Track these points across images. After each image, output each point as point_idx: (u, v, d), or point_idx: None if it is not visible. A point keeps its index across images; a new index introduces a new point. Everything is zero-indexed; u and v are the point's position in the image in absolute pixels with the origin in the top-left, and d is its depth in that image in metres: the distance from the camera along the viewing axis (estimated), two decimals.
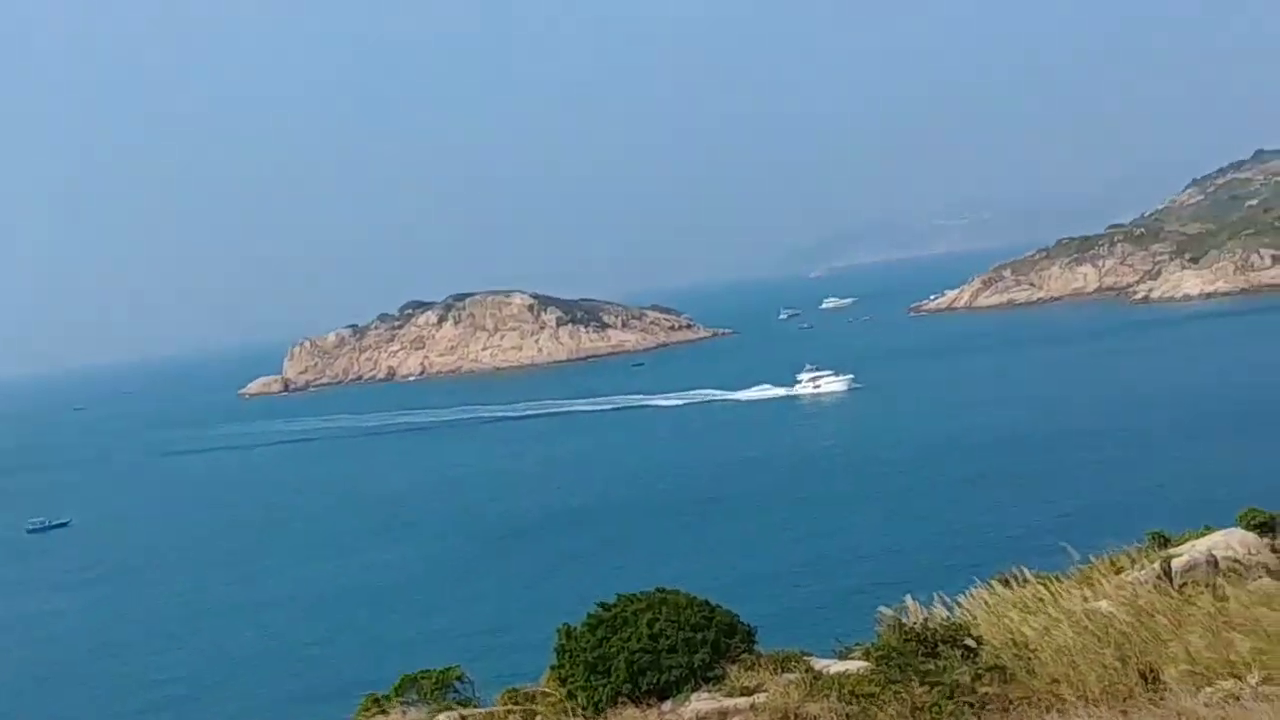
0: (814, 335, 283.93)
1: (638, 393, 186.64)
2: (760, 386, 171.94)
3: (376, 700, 19.23)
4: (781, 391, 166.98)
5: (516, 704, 17.92)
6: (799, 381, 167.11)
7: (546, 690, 17.91)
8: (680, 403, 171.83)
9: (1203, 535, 18.84)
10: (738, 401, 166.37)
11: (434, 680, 19.43)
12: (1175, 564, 17.98)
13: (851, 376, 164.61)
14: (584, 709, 16.77)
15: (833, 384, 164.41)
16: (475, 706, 18.42)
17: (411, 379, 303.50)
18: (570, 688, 17.33)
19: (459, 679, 19.44)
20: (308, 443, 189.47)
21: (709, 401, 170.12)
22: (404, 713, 18.86)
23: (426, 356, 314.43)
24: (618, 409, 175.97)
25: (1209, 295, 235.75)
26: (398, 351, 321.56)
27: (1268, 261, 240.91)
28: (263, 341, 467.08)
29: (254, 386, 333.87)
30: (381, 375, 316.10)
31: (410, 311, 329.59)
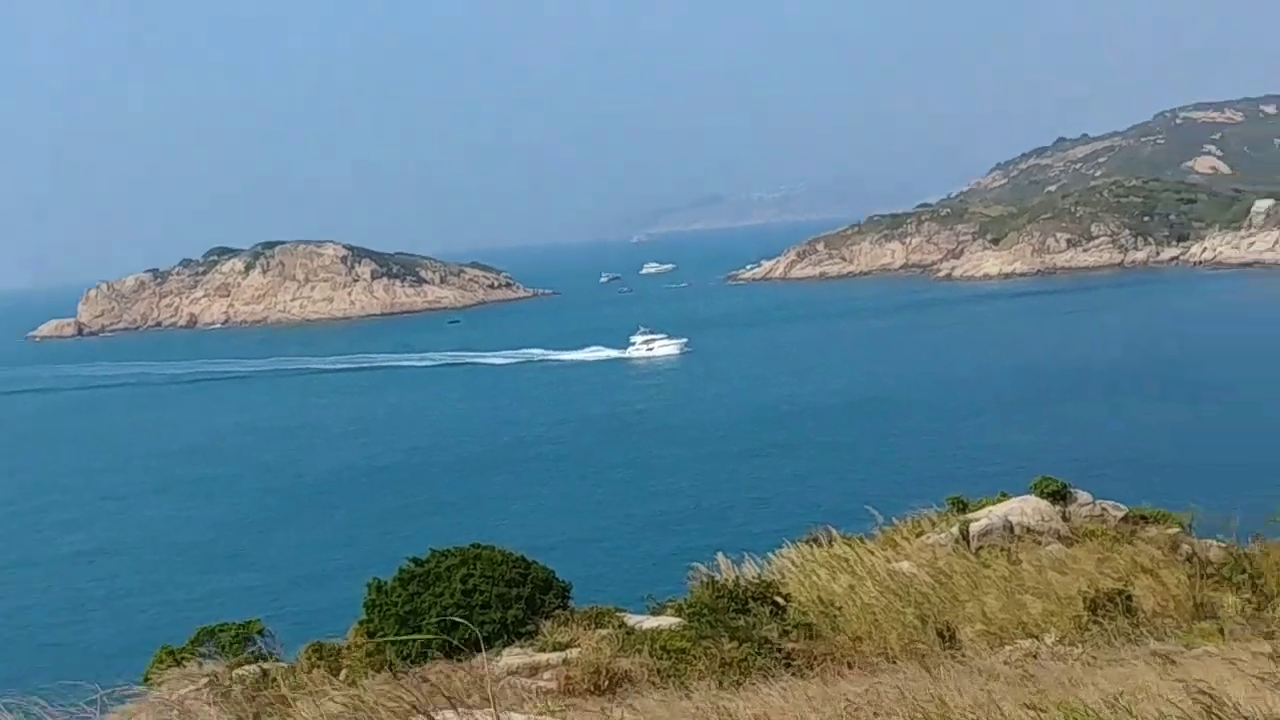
0: (635, 299, 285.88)
1: (464, 349, 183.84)
2: (592, 348, 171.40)
3: (172, 653, 18.58)
4: (614, 353, 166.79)
5: (321, 658, 17.57)
6: (632, 344, 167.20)
7: (354, 644, 17.62)
8: (509, 361, 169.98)
9: (999, 502, 19.69)
10: (569, 362, 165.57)
11: (233, 633, 18.88)
12: (973, 528, 18.77)
13: (684, 340, 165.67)
14: (393, 663, 16.55)
15: (665, 347, 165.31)
16: (277, 660, 18.00)
17: (215, 327, 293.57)
18: (379, 641, 17.07)
19: (260, 633, 18.93)
20: (101, 389, 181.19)
21: (538, 361, 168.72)
22: (200, 665, 18.29)
23: (232, 305, 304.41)
24: (442, 365, 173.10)
25: (1008, 275, 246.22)
26: (201, 298, 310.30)
27: (1063, 245, 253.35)
28: (59, 285, 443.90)
29: (45, 329, 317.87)
30: (183, 323, 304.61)
31: (216, 258, 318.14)
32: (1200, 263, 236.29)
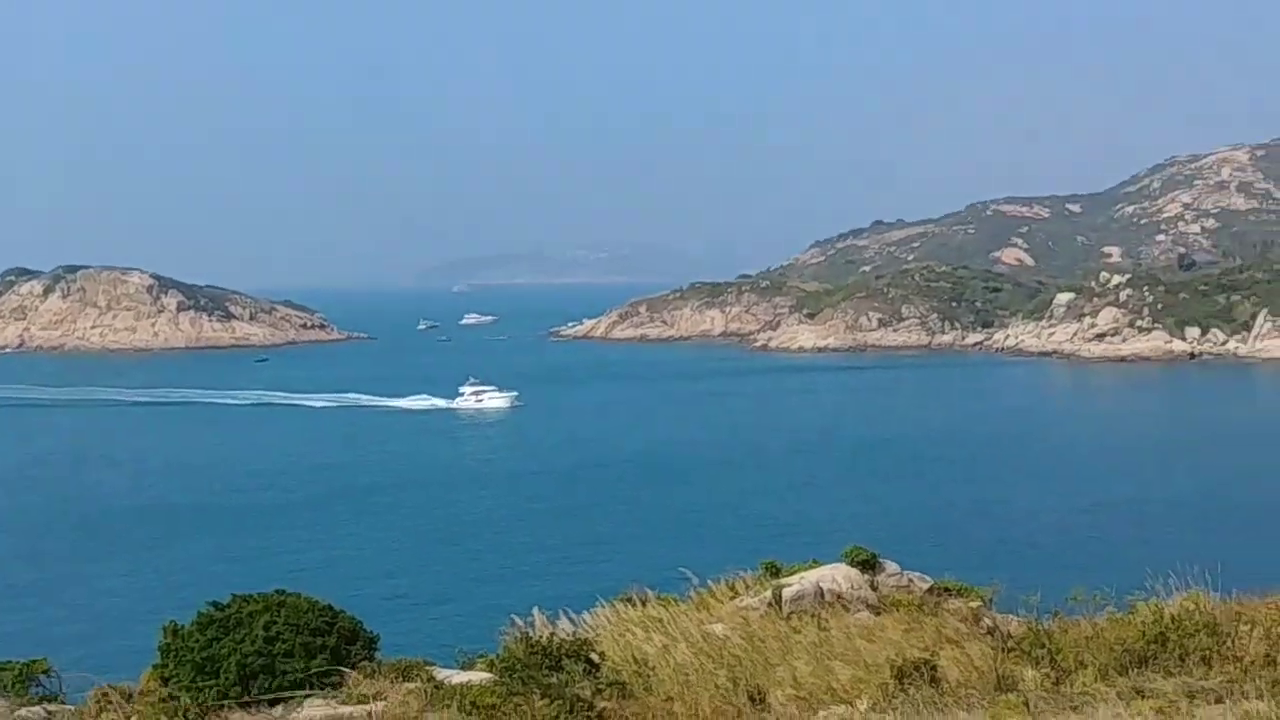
0: (455, 349, 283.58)
1: (280, 389, 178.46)
2: (418, 396, 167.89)
3: None
4: (441, 403, 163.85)
5: (111, 703, 16.65)
6: (460, 394, 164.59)
7: (146, 690, 16.74)
8: (328, 405, 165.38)
9: (811, 568, 20.02)
10: (393, 409, 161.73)
11: (16, 673, 17.76)
12: (785, 593, 19.02)
13: (515, 394, 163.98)
14: (186, 712, 15.77)
15: (495, 400, 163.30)
16: (63, 703, 16.99)
17: (8, 351, 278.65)
18: (173, 689, 16.25)
19: (45, 673, 17.85)
20: None
21: (362, 406, 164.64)
22: None
23: (28, 329, 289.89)
24: (258, 404, 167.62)
25: (821, 349, 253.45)
26: None
27: (874, 323, 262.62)
28: None
29: None
30: None
31: (13, 279, 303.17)
32: (1003, 349, 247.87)
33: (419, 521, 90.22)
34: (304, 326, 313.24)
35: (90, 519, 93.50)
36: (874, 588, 19.70)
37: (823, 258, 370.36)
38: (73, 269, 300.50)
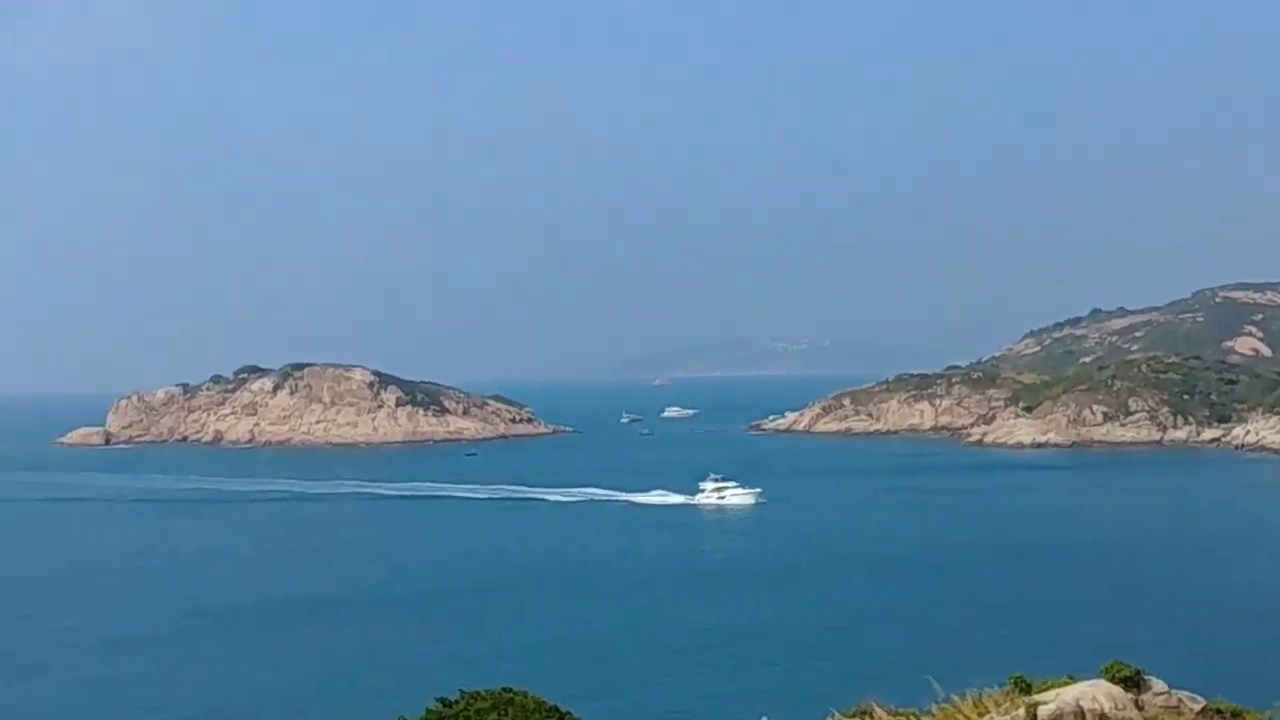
0: (656, 442, 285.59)
1: (520, 483, 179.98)
2: (657, 491, 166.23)
3: None
4: (680, 498, 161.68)
5: None
6: (701, 490, 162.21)
7: None
8: (568, 499, 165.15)
9: (1066, 684, 18.39)
10: (633, 504, 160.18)
11: None
12: (1041, 712, 17.45)
13: (759, 490, 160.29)
14: None
15: (739, 496, 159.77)
16: None
17: (241, 445, 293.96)
18: None
19: None
20: (113, 503, 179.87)
21: (598, 500, 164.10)
22: None
23: (258, 424, 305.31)
24: (498, 499, 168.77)
25: (1040, 445, 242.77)
26: (228, 415, 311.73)
27: (1099, 417, 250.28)
28: (95, 392, 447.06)
29: (73, 437, 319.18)
30: (208, 438, 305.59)
31: (245, 376, 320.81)
32: (1243, 445, 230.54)
33: (652, 618, 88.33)
34: (513, 420, 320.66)
35: (322, 602, 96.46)
36: (1140, 708, 18.01)
37: (1038, 348, 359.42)
38: (299, 366, 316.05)
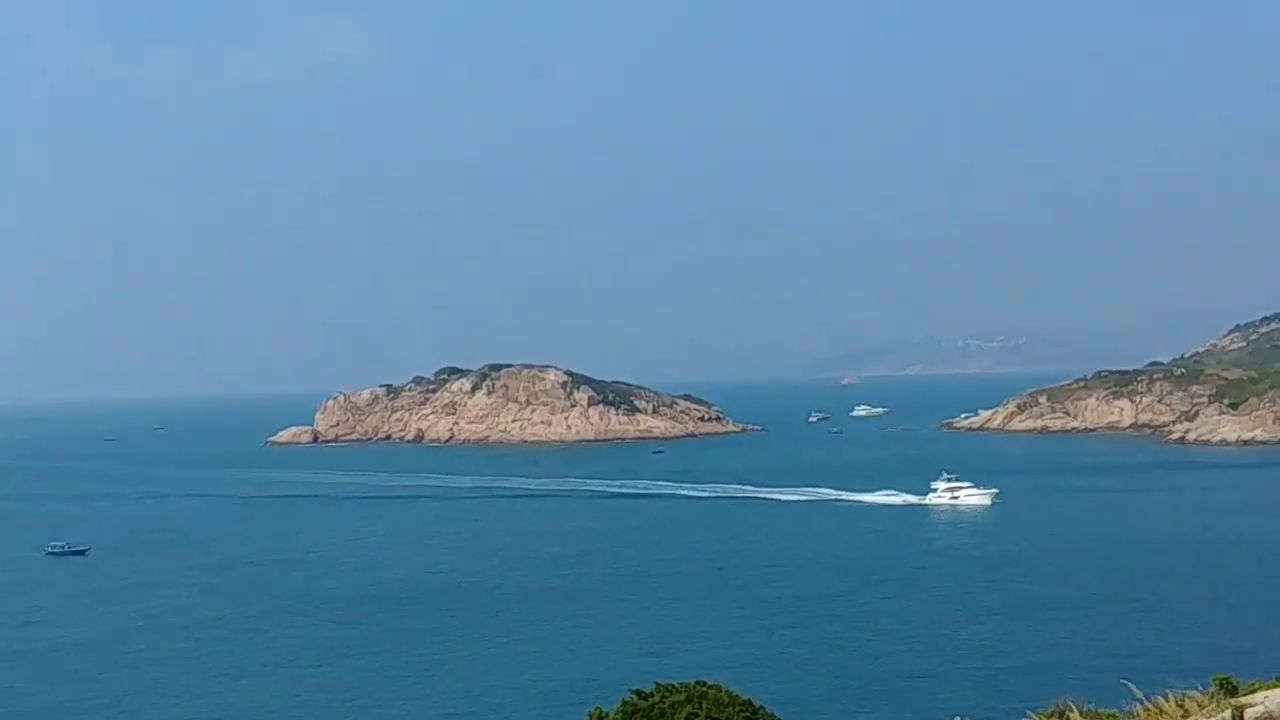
0: (846, 441, 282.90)
1: (746, 483, 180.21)
2: (887, 491, 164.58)
3: None
4: (912, 499, 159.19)
5: None
6: (933, 490, 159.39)
7: None
8: (797, 499, 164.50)
9: (1275, 686, 17.90)
10: (863, 504, 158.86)
11: None
12: (1249, 714, 17.03)
13: (995, 490, 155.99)
14: None
15: (974, 496, 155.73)
16: None
17: (440, 443, 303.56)
18: None
19: None
20: (320, 498, 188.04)
21: (828, 500, 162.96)
22: None
23: (457, 423, 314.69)
24: (721, 498, 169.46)
25: (1246, 442, 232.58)
26: (429, 415, 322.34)
27: None
28: (293, 394, 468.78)
29: (284, 436, 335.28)
30: (410, 436, 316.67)
31: (445, 377, 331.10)
32: None
33: (863, 617, 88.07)
34: (701, 419, 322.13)
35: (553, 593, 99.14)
36: None
37: (1245, 343, 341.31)
38: (496, 367, 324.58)
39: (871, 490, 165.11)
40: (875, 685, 67.47)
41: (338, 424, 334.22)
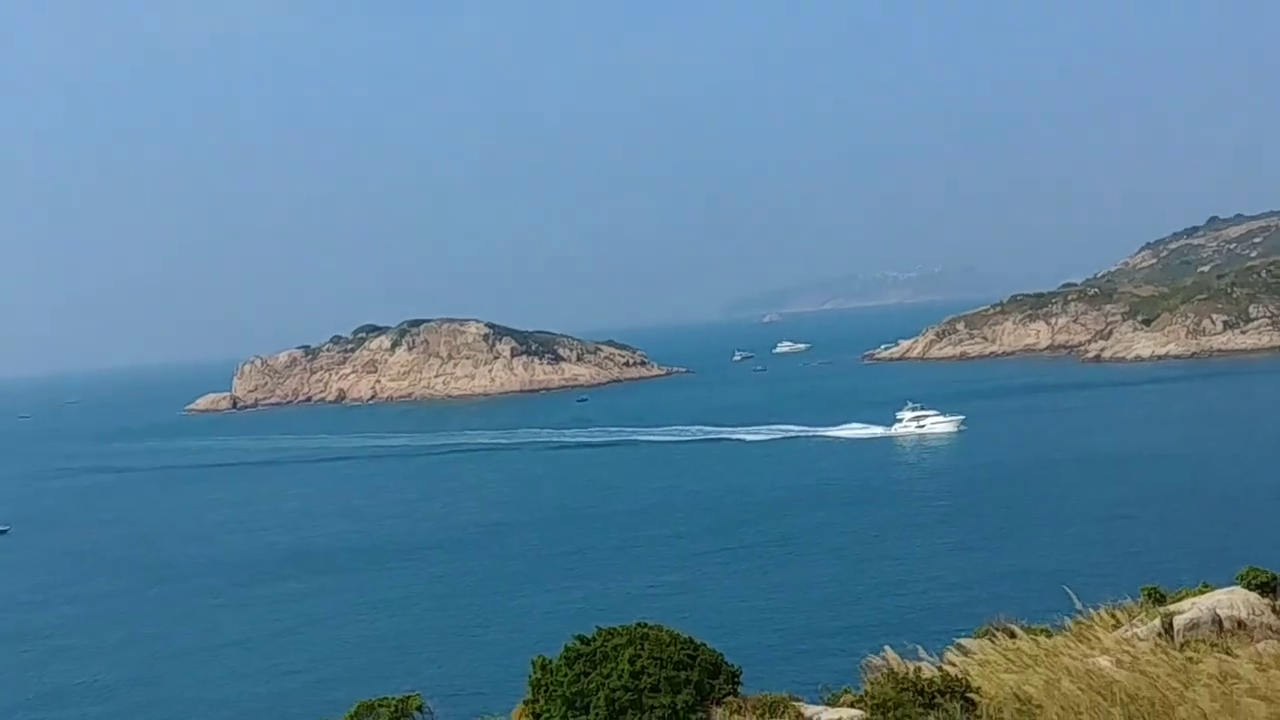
0: (771, 378, 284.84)
1: (715, 424, 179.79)
2: (852, 424, 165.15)
3: None
4: (879, 430, 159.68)
5: None
6: (899, 420, 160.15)
7: None
8: (766, 437, 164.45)
9: (1201, 593, 18.24)
10: (832, 438, 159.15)
11: (392, 709, 18.39)
12: (1177, 621, 17.34)
13: (961, 417, 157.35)
14: None
15: (940, 424, 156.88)
16: None
17: (363, 403, 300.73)
18: None
19: (419, 709, 18.44)
20: (241, 466, 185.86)
21: (795, 437, 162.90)
22: None
23: (378, 381, 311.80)
24: (691, 440, 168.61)
25: (1160, 357, 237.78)
26: (349, 374, 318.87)
27: (1219, 326, 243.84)
28: (207, 360, 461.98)
29: (201, 403, 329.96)
30: (331, 397, 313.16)
31: (363, 335, 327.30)
32: None
33: (794, 549, 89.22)
34: (626, 364, 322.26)
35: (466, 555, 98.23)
36: (1277, 613, 17.77)
37: (1155, 260, 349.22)
38: (416, 323, 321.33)
39: (838, 424, 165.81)
40: (821, 614, 68.77)
41: (256, 388, 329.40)
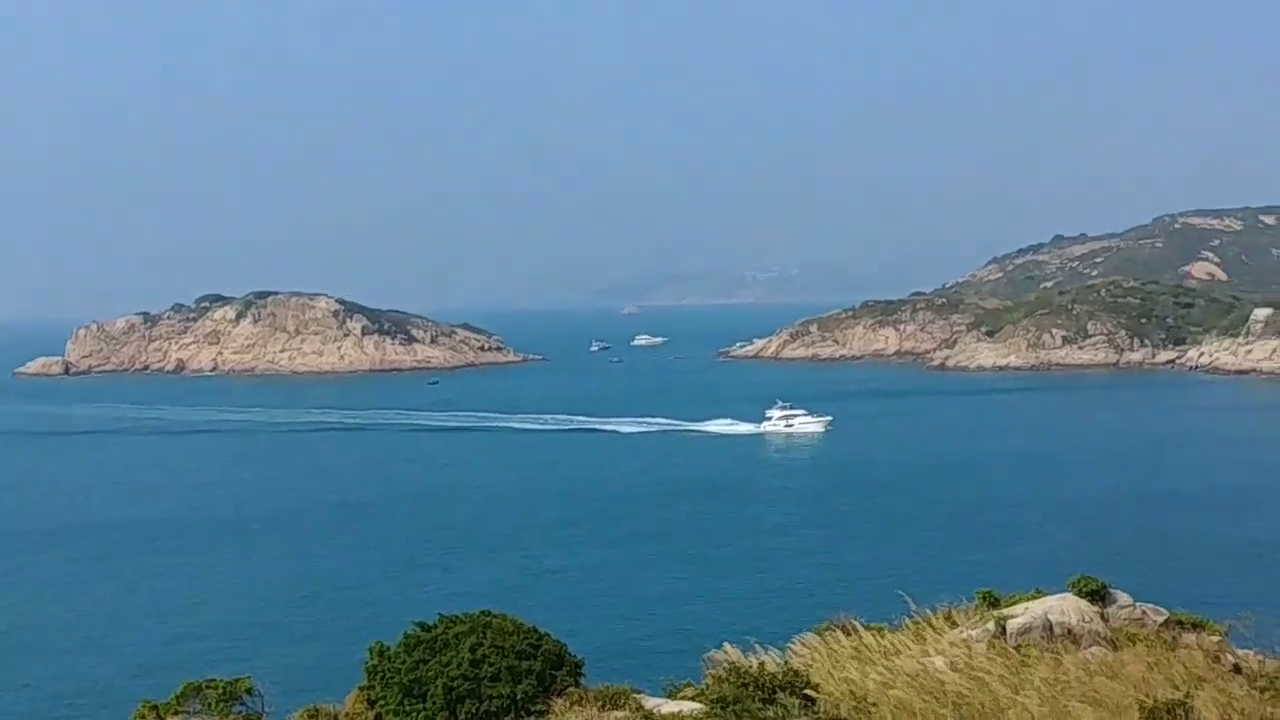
0: (627, 370, 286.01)
1: (583, 414, 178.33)
2: (722, 420, 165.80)
3: (155, 708, 17.57)
4: (748, 427, 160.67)
5: None
6: (768, 418, 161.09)
7: (352, 712, 16.57)
8: (637, 430, 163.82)
9: (1034, 598, 18.74)
10: (701, 433, 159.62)
11: (220, 690, 17.78)
12: (1011, 625, 17.79)
13: (829, 418, 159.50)
14: None
15: (808, 424, 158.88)
16: None
17: (203, 374, 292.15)
18: (380, 710, 16.05)
19: (249, 691, 17.87)
20: (74, 435, 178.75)
21: (667, 431, 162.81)
22: None
23: (220, 353, 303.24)
24: (564, 430, 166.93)
25: (1001, 368, 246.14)
26: (190, 344, 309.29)
27: (1058, 341, 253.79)
28: (56, 320, 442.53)
29: (33, 366, 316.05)
30: (170, 367, 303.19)
31: (207, 305, 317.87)
32: (1196, 367, 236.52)
33: (652, 543, 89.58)
34: (481, 349, 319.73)
35: (297, 537, 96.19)
36: (1105, 620, 18.36)
37: (1001, 274, 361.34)
38: (263, 295, 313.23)
39: (708, 419, 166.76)
40: (667, 609, 69.11)
41: (91, 354, 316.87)
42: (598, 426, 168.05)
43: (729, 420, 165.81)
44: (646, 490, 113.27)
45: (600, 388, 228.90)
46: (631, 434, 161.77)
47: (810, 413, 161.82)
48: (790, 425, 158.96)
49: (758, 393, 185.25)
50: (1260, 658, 17.36)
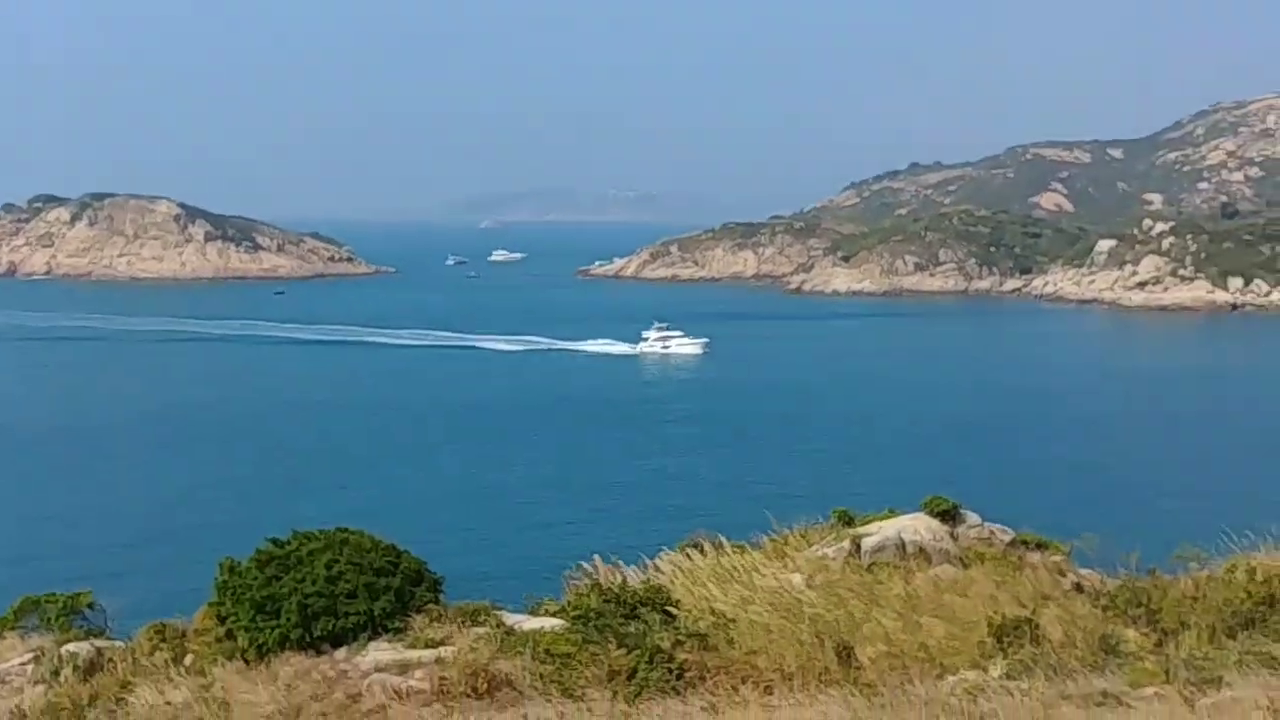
0: (484, 286, 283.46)
1: (455, 330, 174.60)
2: (600, 340, 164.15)
3: None
4: (625, 348, 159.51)
5: (165, 641, 16.07)
6: (644, 339, 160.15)
7: (201, 628, 16.14)
8: (511, 348, 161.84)
9: (888, 518, 19.15)
10: (579, 353, 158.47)
11: (60, 605, 17.34)
12: (865, 543, 18.16)
13: (706, 340, 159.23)
14: (245, 651, 15.17)
15: (685, 345, 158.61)
16: (109, 638, 16.49)
17: (36, 277, 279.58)
18: (231, 627, 15.65)
19: (90, 606, 17.41)
20: None
21: (542, 350, 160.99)
22: (23, 638, 16.76)
23: (54, 256, 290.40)
24: (430, 345, 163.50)
25: (856, 293, 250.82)
26: (22, 246, 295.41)
27: (910, 267, 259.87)
28: None
29: None
30: (1, 270, 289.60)
31: (40, 205, 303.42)
32: (1041, 296, 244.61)
33: (515, 461, 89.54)
34: (331, 259, 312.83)
35: (145, 448, 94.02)
36: (955, 539, 18.88)
37: (858, 200, 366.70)
38: (100, 196, 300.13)
39: (584, 339, 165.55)
40: (534, 531, 69.23)
41: None
42: (466, 343, 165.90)
43: (607, 340, 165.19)
44: (520, 411, 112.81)
45: (462, 303, 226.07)
46: (505, 351, 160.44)
47: (687, 334, 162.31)
48: (667, 347, 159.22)
49: (623, 313, 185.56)
50: (1101, 577, 18.02)
